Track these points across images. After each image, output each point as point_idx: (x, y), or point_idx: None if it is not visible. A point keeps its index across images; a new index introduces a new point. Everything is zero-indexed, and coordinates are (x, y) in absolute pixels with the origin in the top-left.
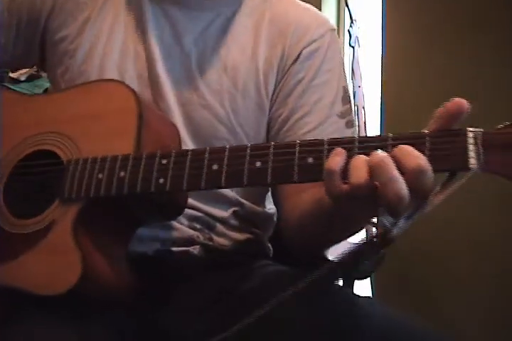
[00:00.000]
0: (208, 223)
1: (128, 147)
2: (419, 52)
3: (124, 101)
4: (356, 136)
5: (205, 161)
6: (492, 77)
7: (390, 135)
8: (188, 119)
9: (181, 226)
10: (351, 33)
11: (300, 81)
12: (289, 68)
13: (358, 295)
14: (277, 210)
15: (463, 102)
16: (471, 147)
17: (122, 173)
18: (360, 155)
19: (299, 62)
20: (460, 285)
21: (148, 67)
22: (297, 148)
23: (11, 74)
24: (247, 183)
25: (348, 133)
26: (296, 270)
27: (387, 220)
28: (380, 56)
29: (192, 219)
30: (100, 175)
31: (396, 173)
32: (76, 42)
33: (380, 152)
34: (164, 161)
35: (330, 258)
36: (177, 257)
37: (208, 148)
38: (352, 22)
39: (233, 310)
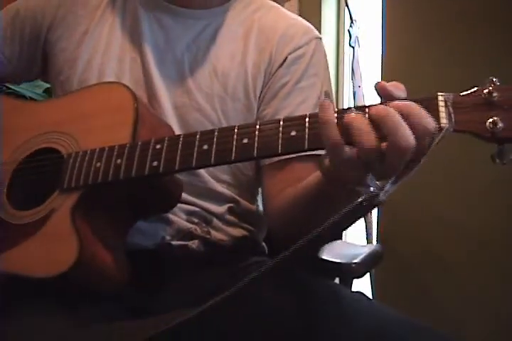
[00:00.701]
0: (204, 217)
1: (125, 138)
2: (419, 52)
3: (121, 99)
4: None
5: (196, 142)
6: (493, 77)
7: (367, 105)
8: (182, 121)
9: (179, 220)
10: (351, 33)
11: (285, 84)
12: (275, 72)
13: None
14: (263, 209)
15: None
16: (442, 109)
17: (119, 161)
18: (353, 113)
19: (284, 67)
20: (460, 284)
21: (144, 73)
22: (281, 123)
23: None
24: (234, 159)
25: None
26: (290, 267)
27: (374, 185)
28: (380, 56)
29: (189, 213)
30: (98, 164)
31: (402, 120)
32: (75, 53)
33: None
34: (158, 146)
35: (325, 257)
36: (176, 251)
37: (198, 131)
38: (352, 22)
39: (229, 305)
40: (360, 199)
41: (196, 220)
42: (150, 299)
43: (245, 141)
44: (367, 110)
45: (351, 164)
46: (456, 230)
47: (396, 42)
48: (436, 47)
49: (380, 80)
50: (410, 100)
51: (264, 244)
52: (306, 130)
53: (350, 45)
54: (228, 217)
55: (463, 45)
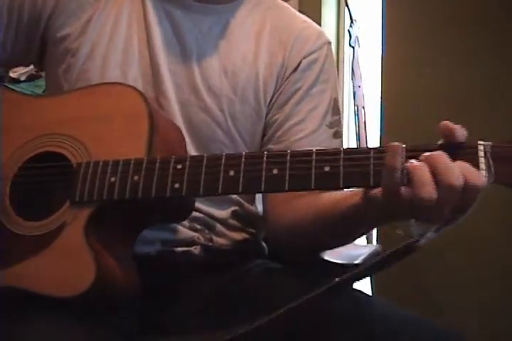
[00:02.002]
0: (207, 223)
1: (139, 151)
2: (419, 52)
3: (133, 104)
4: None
5: (222, 167)
6: (492, 77)
7: (404, 145)
8: (188, 120)
9: (182, 228)
10: (351, 33)
11: (298, 89)
12: (288, 77)
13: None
14: (264, 217)
15: (452, 128)
16: (481, 160)
17: (136, 177)
18: (414, 160)
19: (298, 72)
20: (460, 283)
21: (152, 67)
22: (314, 157)
23: (11, 74)
24: (264, 189)
25: (335, 143)
26: (292, 268)
27: (417, 230)
28: (380, 56)
29: (192, 219)
30: (113, 179)
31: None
32: (78, 41)
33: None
34: (179, 166)
35: (326, 258)
36: (178, 257)
37: (223, 154)
38: (352, 22)
39: (232, 309)
40: (402, 244)
41: (199, 227)
42: (155, 307)
43: (275, 171)
44: (425, 157)
45: (403, 205)
46: (456, 228)
47: (396, 42)
48: (436, 47)
49: (380, 81)
50: (453, 147)
51: (264, 244)
52: (341, 168)
53: (350, 45)
54: (231, 221)
55: (463, 45)
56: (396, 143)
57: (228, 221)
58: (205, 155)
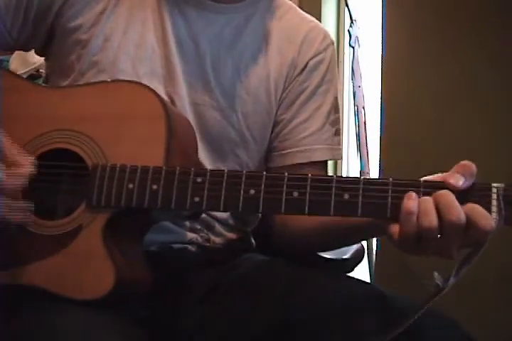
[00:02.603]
0: (208, 223)
1: (158, 157)
2: (419, 52)
3: (150, 105)
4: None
5: (242, 185)
6: (492, 77)
7: (421, 181)
8: (200, 119)
9: (181, 230)
10: (351, 33)
11: (305, 89)
12: (295, 77)
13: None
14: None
15: (469, 167)
16: (494, 202)
17: (155, 186)
18: (426, 198)
19: (305, 72)
20: (460, 282)
21: (165, 64)
22: (334, 184)
23: None
24: (284, 211)
25: (336, 140)
26: (280, 260)
27: (440, 280)
28: (380, 56)
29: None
30: (131, 186)
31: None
32: (90, 32)
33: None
34: (199, 179)
35: (323, 255)
36: (175, 253)
37: (244, 172)
38: (352, 22)
39: (229, 299)
40: (430, 297)
41: (199, 227)
42: (159, 302)
43: (295, 194)
44: (434, 194)
45: (418, 242)
46: None
47: (396, 42)
48: (436, 47)
49: (380, 81)
50: (467, 188)
51: (253, 240)
52: (360, 197)
53: (350, 45)
54: (230, 221)
55: (463, 45)
56: (412, 193)
57: (228, 221)
58: (226, 170)
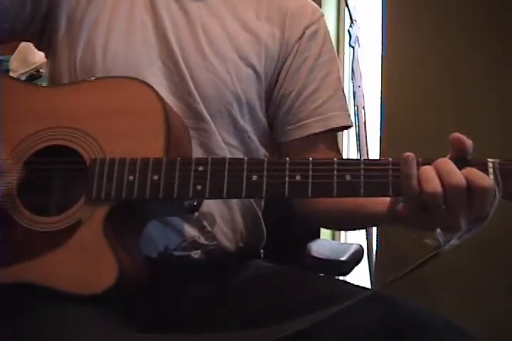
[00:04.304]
0: (211, 217)
1: (157, 150)
2: (419, 52)
3: (147, 101)
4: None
5: (244, 172)
6: (493, 77)
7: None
8: (196, 81)
9: (184, 227)
10: (351, 33)
11: (306, 59)
12: (292, 47)
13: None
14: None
15: (461, 138)
16: (491, 176)
17: (156, 177)
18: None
19: (304, 41)
20: (460, 283)
21: (157, 33)
22: (335, 166)
23: (11, 74)
24: (288, 195)
25: (347, 106)
26: (286, 267)
27: (442, 238)
28: (380, 56)
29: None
30: (131, 177)
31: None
32: (85, 10)
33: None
34: (201, 168)
35: (315, 255)
36: (177, 262)
37: (245, 159)
38: (352, 22)
39: (234, 309)
40: (432, 253)
41: (202, 222)
42: (155, 310)
43: (298, 178)
44: (433, 163)
45: (423, 210)
46: None
47: (396, 43)
48: (436, 47)
49: (380, 81)
50: (462, 163)
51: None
52: (362, 177)
53: (350, 45)
54: (234, 219)
55: (463, 45)
56: (408, 153)
57: (230, 217)
58: (227, 158)
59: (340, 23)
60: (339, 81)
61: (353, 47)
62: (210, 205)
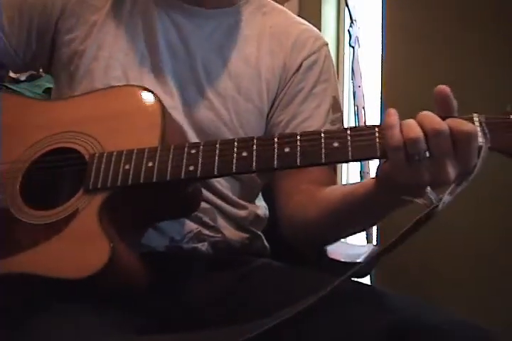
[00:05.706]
0: (213, 213)
1: (152, 141)
2: (419, 52)
3: (144, 100)
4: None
5: (235, 149)
6: (493, 77)
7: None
8: (192, 119)
9: (185, 221)
10: (351, 33)
11: (301, 90)
12: (290, 78)
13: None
14: (275, 208)
15: (444, 89)
16: (477, 128)
17: (150, 163)
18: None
19: (300, 73)
20: (460, 284)
21: (154, 67)
22: (322, 135)
23: (11, 74)
24: (277, 166)
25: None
26: (296, 267)
27: (434, 196)
28: (380, 56)
29: (200, 210)
30: (127, 166)
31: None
32: (85, 43)
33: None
34: (193, 151)
35: (331, 257)
36: (186, 253)
37: (236, 138)
38: (352, 22)
39: (239, 309)
40: (425, 212)
41: (203, 217)
42: (163, 304)
43: (287, 149)
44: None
45: (408, 164)
46: (456, 229)
47: (396, 42)
48: (436, 47)
49: (380, 81)
50: (447, 117)
51: (267, 244)
52: (349, 142)
53: (350, 45)
54: (237, 216)
55: (463, 45)
56: (392, 109)
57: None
58: (219, 140)
59: (340, 23)
60: (331, 111)
61: (353, 47)
62: (210, 202)
